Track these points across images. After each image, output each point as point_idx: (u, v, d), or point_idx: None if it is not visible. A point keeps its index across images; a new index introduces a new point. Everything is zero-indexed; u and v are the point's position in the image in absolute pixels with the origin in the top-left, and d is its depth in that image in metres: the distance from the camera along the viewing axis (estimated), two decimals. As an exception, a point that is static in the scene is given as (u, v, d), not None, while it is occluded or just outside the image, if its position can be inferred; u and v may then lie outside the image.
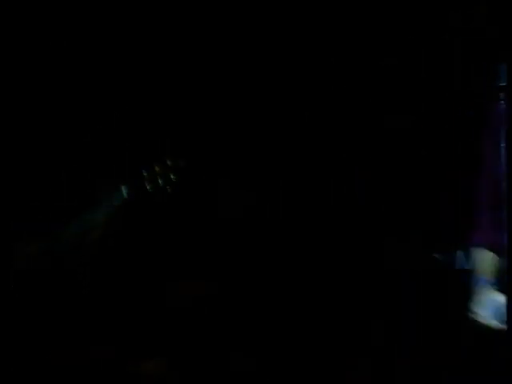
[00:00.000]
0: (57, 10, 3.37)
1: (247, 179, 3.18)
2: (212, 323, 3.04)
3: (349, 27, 3.27)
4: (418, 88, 3.27)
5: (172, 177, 2.69)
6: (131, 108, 3.21)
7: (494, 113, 3.13)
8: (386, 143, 3.29)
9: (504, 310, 2.30)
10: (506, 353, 2.48)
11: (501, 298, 2.55)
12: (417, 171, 3.26)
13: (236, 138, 3.23)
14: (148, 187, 2.72)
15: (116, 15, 3.39)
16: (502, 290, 2.56)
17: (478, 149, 3.07)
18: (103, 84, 3.36)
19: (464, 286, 3.07)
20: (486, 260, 2.77)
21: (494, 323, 2.55)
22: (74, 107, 3.42)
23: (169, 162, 2.71)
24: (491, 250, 2.73)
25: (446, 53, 3.24)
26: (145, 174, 2.73)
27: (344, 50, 3.27)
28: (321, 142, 3.29)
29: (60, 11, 3.37)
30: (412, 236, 3.23)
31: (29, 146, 3.38)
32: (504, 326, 2.36)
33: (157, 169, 2.70)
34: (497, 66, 3.18)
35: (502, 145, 2.53)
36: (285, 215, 3.16)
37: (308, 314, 3.17)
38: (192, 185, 2.98)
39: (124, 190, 2.77)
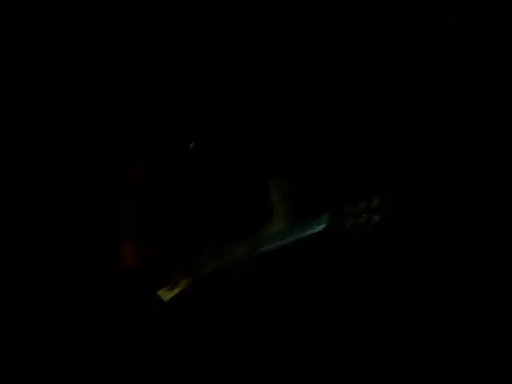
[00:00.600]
0: (57, 10, 3.37)
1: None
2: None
3: (349, 27, 3.27)
4: (417, 88, 3.27)
5: (375, 218, 2.44)
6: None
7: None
8: (386, 143, 3.29)
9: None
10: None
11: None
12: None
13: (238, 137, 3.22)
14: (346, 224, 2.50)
15: (116, 15, 3.39)
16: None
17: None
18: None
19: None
20: None
21: None
22: (74, 107, 3.42)
23: (376, 201, 2.46)
24: None
25: (445, 53, 3.24)
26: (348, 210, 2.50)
27: (344, 49, 3.27)
28: (321, 143, 3.29)
29: (60, 11, 3.37)
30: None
31: (29, 146, 3.38)
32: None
33: (361, 206, 2.47)
34: (497, 66, 3.19)
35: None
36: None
37: (308, 312, 3.17)
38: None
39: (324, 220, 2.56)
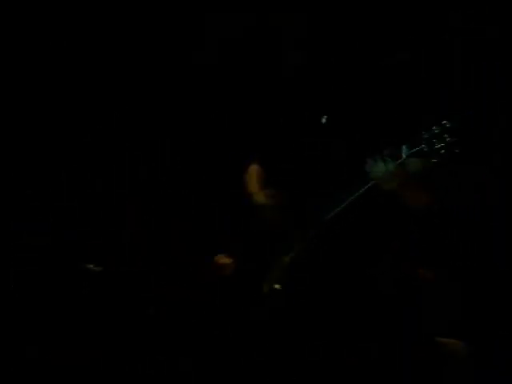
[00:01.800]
0: (57, 9, 3.37)
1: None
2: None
3: (349, 27, 3.28)
4: (417, 88, 3.27)
5: (447, 138, 2.72)
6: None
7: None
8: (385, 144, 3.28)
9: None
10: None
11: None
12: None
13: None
14: (425, 148, 2.75)
15: (116, 15, 3.39)
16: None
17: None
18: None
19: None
20: None
21: None
22: (74, 107, 3.42)
23: (446, 124, 2.74)
24: None
25: (445, 53, 3.24)
26: (424, 135, 2.76)
27: (344, 50, 3.28)
28: (321, 143, 3.28)
29: (60, 11, 3.38)
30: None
31: (29, 146, 3.38)
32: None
33: (435, 130, 2.74)
34: (497, 66, 3.20)
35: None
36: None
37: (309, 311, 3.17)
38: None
39: (404, 150, 2.81)
